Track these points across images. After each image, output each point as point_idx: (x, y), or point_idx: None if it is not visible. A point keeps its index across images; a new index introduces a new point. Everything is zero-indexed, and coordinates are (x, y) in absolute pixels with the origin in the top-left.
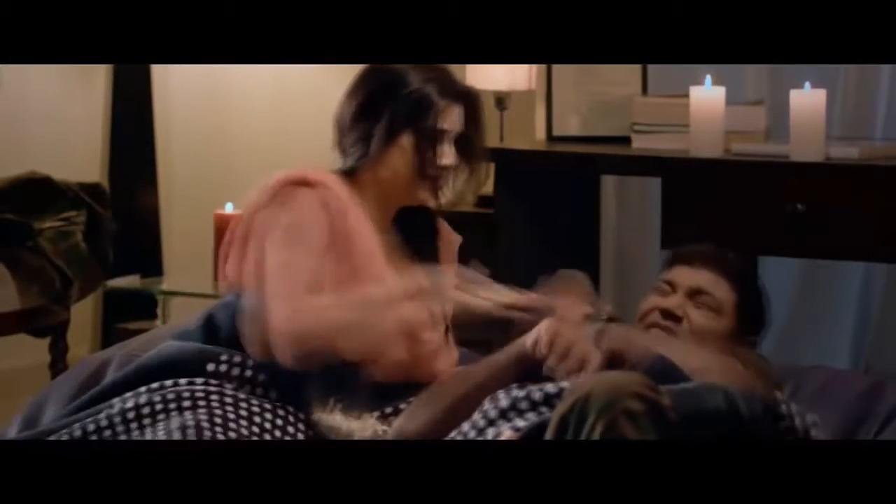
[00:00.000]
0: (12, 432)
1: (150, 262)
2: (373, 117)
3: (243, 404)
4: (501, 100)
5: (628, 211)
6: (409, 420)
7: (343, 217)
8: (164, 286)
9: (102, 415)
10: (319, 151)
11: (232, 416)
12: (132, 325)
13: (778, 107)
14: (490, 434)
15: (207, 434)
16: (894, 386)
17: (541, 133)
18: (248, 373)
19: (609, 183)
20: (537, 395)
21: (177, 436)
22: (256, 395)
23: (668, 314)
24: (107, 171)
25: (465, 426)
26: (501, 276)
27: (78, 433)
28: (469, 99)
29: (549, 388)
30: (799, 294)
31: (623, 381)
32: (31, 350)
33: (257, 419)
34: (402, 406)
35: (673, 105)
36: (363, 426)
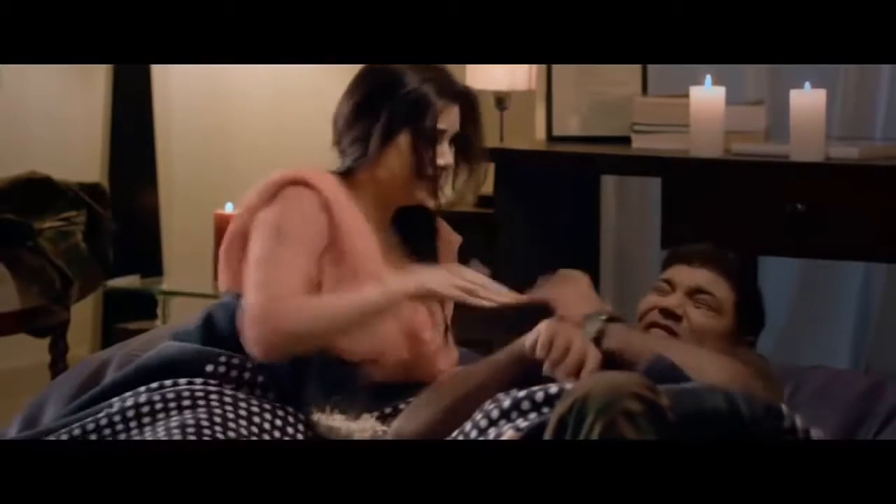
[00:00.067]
0: (12, 432)
1: (150, 262)
2: (371, 117)
3: (243, 404)
4: (501, 100)
5: (628, 211)
6: (408, 420)
7: (340, 217)
8: (164, 286)
9: (102, 414)
10: (319, 151)
11: (231, 415)
12: (132, 325)
13: (778, 107)
14: (492, 434)
15: (207, 434)
16: (894, 386)
17: (541, 133)
18: (248, 374)
19: (609, 183)
20: (539, 396)
21: (176, 435)
22: (256, 396)
23: (667, 313)
24: (107, 171)
25: (467, 426)
26: (501, 276)
27: (78, 433)
28: (467, 99)
29: (552, 388)
30: (799, 294)
31: (622, 382)
32: (31, 350)
33: (257, 419)
34: (401, 406)
35: (673, 105)
36: (362, 426)
